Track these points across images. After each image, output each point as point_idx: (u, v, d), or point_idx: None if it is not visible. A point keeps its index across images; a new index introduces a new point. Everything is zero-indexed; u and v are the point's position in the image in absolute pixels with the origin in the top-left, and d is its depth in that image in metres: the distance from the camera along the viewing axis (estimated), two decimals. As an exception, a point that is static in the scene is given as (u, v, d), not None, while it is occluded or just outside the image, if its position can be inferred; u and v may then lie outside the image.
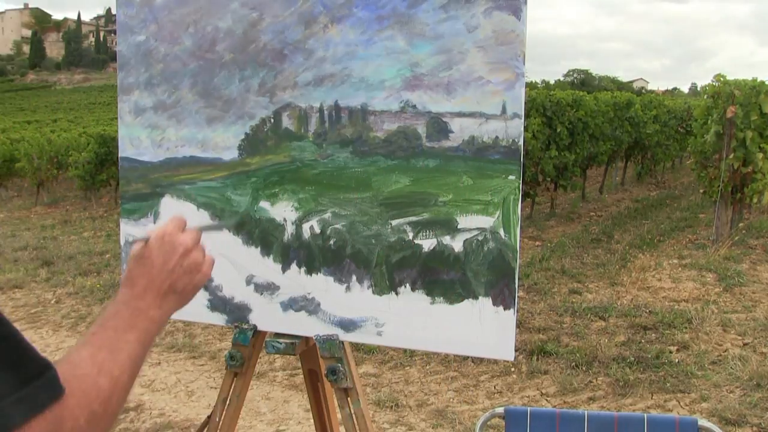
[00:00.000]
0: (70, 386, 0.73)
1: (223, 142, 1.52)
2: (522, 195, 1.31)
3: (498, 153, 1.27)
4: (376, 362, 4.26)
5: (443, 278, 1.33)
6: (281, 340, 1.48)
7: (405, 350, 4.25)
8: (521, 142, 1.26)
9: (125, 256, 1.67)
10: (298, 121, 1.44)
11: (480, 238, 1.30)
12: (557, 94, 8.82)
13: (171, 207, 1.59)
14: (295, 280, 1.46)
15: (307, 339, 1.50)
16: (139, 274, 0.95)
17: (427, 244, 1.34)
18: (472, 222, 1.30)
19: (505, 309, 1.29)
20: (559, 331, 4.63)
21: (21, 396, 0.67)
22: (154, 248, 0.97)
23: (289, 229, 1.46)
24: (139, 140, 1.63)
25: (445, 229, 1.32)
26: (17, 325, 0.75)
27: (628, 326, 4.66)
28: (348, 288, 1.41)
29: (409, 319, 1.36)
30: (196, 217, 1.54)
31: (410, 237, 1.35)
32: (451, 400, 3.73)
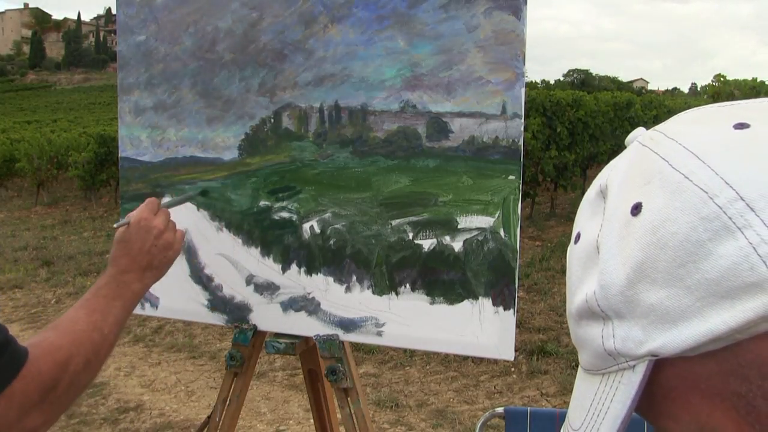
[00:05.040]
0: (71, 337, 0.94)
1: (223, 142, 1.52)
2: (522, 195, 1.30)
3: (498, 153, 1.27)
4: (376, 362, 4.26)
5: (443, 278, 1.33)
6: (281, 340, 1.48)
7: (405, 350, 4.25)
8: (521, 142, 1.26)
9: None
10: (298, 121, 1.44)
11: (480, 238, 1.30)
12: (557, 94, 8.81)
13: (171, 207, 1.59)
14: (295, 280, 1.46)
15: (307, 339, 1.50)
16: (121, 254, 1.13)
17: (427, 244, 1.34)
18: (472, 222, 1.30)
19: (505, 309, 1.28)
20: (559, 331, 4.63)
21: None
22: (132, 232, 1.16)
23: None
24: (139, 140, 1.63)
25: (445, 229, 1.32)
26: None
27: (628, 326, 4.66)
28: (348, 288, 1.41)
29: (409, 319, 1.36)
30: (196, 216, 1.54)
31: (410, 237, 1.35)
32: (451, 400, 3.73)
